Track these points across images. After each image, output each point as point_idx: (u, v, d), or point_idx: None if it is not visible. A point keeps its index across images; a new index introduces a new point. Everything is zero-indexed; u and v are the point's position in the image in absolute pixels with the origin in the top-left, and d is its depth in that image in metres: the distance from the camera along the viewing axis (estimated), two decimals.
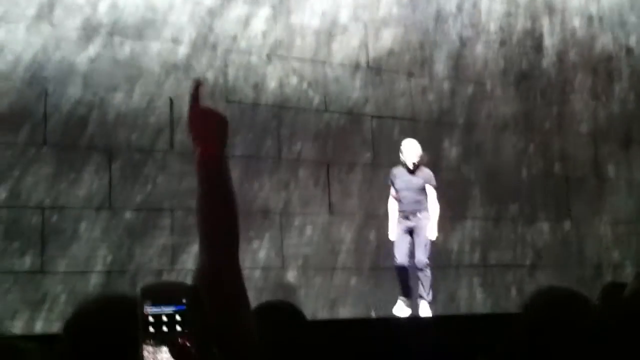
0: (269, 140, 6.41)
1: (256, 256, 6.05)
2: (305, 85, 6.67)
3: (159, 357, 1.15)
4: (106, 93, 5.70)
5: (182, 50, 6.16)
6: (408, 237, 5.73)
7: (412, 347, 3.93)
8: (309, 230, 6.38)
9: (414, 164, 5.82)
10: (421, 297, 5.69)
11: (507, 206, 7.32)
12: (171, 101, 5.98)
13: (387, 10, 7.32)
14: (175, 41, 6.15)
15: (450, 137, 7.12)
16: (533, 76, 7.96)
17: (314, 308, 5.99)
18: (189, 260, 5.60)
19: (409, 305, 5.67)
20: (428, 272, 5.70)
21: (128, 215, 5.63)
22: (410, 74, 7.29)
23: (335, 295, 6.26)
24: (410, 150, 5.85)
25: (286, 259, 6.23)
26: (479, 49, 7.75)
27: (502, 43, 7.89)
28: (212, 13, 6.41)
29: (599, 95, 8.32)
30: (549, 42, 8.18)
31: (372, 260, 6.36)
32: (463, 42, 7.66)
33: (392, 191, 5.91)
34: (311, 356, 1.92)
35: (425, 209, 5.75)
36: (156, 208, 5.74)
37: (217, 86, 6.22)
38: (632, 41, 8.78)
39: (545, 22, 8.26)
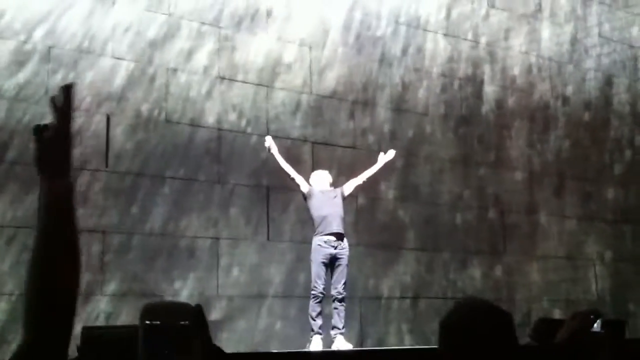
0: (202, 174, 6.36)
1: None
2: (244, 122, 6.65)
3: None
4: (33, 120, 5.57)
5: (118, 81, 6.08)
6: (326, 267, 5.57)
7: None
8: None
9: (329, 184, 5.88)
10: (337, 328, 5.55)
11: (441, 249, 7.39)
12: (108, 118, 5.90)
13: (333, 51, 7.39)
14: (112, 71, 6.07)
15: (388, 179, 7.16)
16: (472, 121, 8.12)
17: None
18: None
19: (322, 340, 5.51)
20: (344, 303, 5.61)
21: None
22: (352, 115, 7.34)
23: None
24: (322, 179, 5.90)
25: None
26: (421, 92, 7.88)
27: (444, 88, 8.05)
28: (154, 44, 6.37)
29: (535, 142, 8.54)
30: (489, 88, 8.38)
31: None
32: (405, 86, 7.77)
33: (302, 187, 5.81)
34: None
35: (344, 233, 5.69)
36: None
37: (152, 118, 6.15)
38: (569, 91, 9.07)
39: (486, 69, 8.47)
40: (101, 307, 5.49)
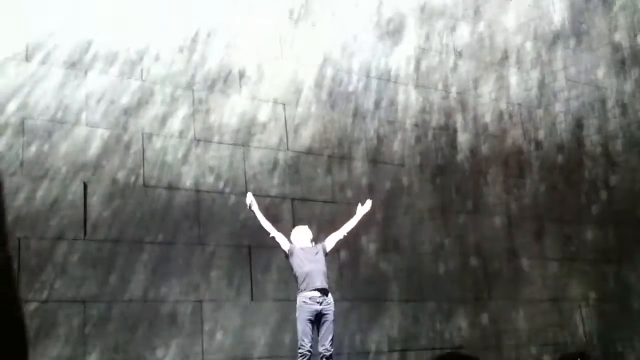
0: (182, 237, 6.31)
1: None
2: (222, 184, 6.65)
3: None
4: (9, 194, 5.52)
5: (94, 150, 6.07)
6: (312, 324, 5.47)
7: None
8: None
9: (310, 240, 5.81)
10: None
11: (425, 300, 7.35)
12: (85, 186, 5.87)
13: (306, 108, 7.47)
14: (87, 140, 6.07)
15: (368, 232, 7.16)
16: (448, 170, 8.20)
17: None
18: None
19: None
20: None
21: None
22: (329, 170, 7.38)
23: None
24: (302, 235, 5.82)
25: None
26: (396, 144, 7.96)
27: (418, 139, 8.15)
28: (128, 111, 6.39)
29: (511, 187, 8.63)
30: (462, 137, 8.51)
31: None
32: (380, 139, 7.86)
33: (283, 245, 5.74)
34: None
35: (329, 289, 5.63)
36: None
37: (129, 184, 6.12)
38: (541, 135, 9.23)
39: (458, 118, 8.61)
40: None
